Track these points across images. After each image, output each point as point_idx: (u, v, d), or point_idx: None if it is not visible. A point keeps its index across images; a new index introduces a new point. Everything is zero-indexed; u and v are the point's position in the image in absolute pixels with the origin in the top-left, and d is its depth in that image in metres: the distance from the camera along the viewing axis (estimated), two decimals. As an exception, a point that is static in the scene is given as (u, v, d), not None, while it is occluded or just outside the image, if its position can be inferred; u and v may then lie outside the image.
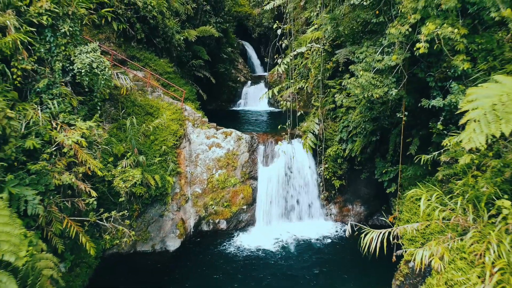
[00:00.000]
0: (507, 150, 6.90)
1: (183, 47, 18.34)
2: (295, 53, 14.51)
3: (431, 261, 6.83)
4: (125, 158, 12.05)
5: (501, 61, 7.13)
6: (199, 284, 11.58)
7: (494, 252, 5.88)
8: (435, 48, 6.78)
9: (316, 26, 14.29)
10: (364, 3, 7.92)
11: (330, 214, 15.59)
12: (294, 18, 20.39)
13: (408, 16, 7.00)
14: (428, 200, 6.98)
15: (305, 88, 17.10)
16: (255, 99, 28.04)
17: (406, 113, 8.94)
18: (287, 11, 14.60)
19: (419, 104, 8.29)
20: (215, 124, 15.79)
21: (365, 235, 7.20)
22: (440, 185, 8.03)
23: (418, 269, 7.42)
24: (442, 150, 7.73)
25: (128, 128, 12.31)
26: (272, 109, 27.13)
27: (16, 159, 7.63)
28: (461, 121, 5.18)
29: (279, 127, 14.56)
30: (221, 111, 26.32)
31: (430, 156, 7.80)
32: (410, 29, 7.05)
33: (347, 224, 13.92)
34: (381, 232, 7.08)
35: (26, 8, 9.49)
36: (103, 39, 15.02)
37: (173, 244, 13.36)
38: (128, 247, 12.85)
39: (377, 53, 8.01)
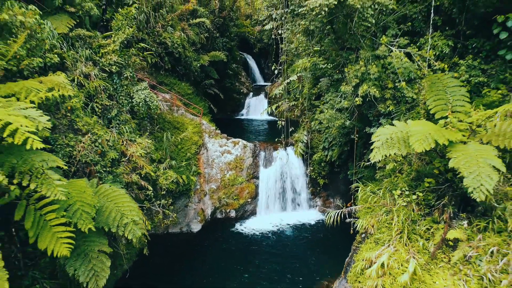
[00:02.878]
0: (415, 161, 11.24)
1: (198, 71, 22.66)
2: (288, 80, 18.81)
3: (367, 228, 11.17)
4: (162, 163, 16.37)
5: (414, 105, 11.40)
6: (215, 256, 15.92)
7: (397, 220, 10.23)
8: (367, 100, 11.06)
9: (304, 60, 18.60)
10: (328, 67, 12.18)
11: (316, 205, 19.95)
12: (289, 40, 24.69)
13: (352, 80, 11.25)
14: (365, 191, 11.31)
15: (297, 104, 21.47)
16: (256, 109, 32.37)
17: (357, 135, 13.26)
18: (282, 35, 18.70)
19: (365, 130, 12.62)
20: (225, 135, 20.11)
21: (329, 214, 11.55)
22: (378, 182, 12.32)
23: (362, 234, 11.75)
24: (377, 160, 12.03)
25: (165, 140, 16.63)
26: (271, 118, 31.38)
27: (107, 166, 11.93)
28: (372, 147, 9.46)
29: (276, 139, 18.94)
30: (228, 119, 30.57)
31: (368, 162, 12.13)
32: (353, 88, 11.30)
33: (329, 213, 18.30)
34: (336, 212, 11.44)
35: (100, 60, 13.81)
36: (139, 69, 19.32)
37: (196, 227, 17.69)
38: (163, 229, 17.17)
39: (338, 97, 12.29)
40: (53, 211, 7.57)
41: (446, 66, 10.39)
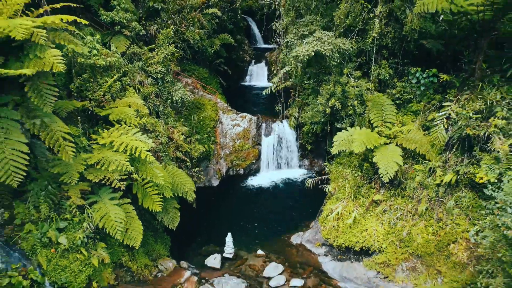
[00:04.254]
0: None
1: (212, 55, 27.79)
2: (284, 70, 24.08)
3: (332, 190, 17.57)
4: (190, 136, 22.34)
5: (363, 113, 17.15)
6: (230, 201, 22.56)
7: (348, 186, 16.54)
8: (334, 108, 16.76)
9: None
10: (311, 81, 17.63)
11: (304, 165, 26.32)
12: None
13: (324, 95, 16.80)
14: (331, 167, 17.50)
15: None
16: (258, 76, 37.62)
17: (330, 127, 19.15)
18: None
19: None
20: (235, 110, 25.84)
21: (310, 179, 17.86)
22: (341, 158, 18.45)
23: (329, 193, 18.16)
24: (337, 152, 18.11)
25: (192, 121, 22.47)
26: (271, 84, 36.70)
27: (164, 149, 17.93)
28: (333, 144, 15.42)
29: (276, 109, 24.86)
30: (234, 87, 35.89)
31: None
32: (325, 100, 16.89)
33: (313, 171, 24.73)
34: (313, 179, 17.75)
35: (148, 70, 19.24)
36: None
37: (215, 182, 24.14)
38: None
39: (317, 102, 17.96)
40: (151, 187, 13.78)
41: (382, 94, 16.11)
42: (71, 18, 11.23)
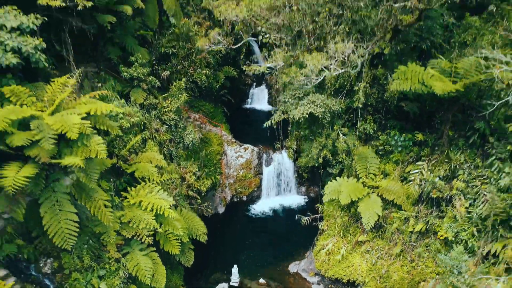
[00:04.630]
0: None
1: (217, 89, 30.32)
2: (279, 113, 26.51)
3: (324, 227, 20.24)
4: (199, 170, 24.95)
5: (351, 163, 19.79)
6: (235, 228, 25.25)
7: (338, 225, 19.20)
8: (325, 158, 19.52)
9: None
10: (306, 132, 20.37)
11: (301, 191, 28.98)
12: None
13: (318, 146, 19.54)
14: (323, 207, 20.14)
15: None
16: (259, 99, 40.11)
17: (322, 169, 21.81)
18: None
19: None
20: (238, 142, 28.42)
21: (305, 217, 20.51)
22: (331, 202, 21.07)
23: (321, 230, 20.83)
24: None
25: (201, 157, 25.07)
26: (270, 107, 39.23)
27: (178, 191, 20.54)
28: (325, 193, 17.99)
29: (275, 145, 27.42)
30: (236, 110, 38.38)
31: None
32: (318, 150, 19.59)
33: (310, 197, 27.42)
34: (307, 217, 20.42)
35: (163, 118, 21.80)
36: (177, 98, 27.05)
37: (221, 209, 26.80)
38: (199, 211, 26.25)
39: (311, 150, 20.72)
40: (171, 234, 16.42)
41: (368, 146, 18.72)
42: (109, 107, 13.80)
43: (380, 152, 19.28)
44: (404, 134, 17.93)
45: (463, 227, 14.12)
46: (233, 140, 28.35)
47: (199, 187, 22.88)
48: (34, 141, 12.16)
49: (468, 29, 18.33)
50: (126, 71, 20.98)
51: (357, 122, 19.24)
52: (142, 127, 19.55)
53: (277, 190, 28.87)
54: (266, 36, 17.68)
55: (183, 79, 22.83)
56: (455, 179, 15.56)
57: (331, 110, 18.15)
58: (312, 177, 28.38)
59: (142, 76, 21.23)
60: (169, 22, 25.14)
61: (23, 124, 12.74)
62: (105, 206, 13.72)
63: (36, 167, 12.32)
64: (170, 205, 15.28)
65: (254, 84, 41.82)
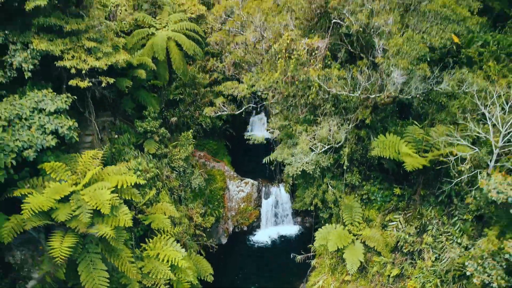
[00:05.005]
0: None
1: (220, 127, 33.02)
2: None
3: (315, 265, 22.99)
4: (204, 206, 27.64)
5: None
6: (236, 259, 27.96)
7: (327, 264, 21.94)
8: (317, 205, 22.34)
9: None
10: (300, 180, 23.06)
11: (297, 222, 31.72)
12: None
13: (309, 196, 22.17)
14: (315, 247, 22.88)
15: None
16: (258, 127, 42.80)
17: (314, 213, 24.57)
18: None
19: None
20: (240, 176, 31.12)
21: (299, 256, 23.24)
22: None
23: (313, 267, 23.56)
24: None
25: (206, 195, 27.76)
26: (269, 136, 41.83)
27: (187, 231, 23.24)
28: (315, 239, 20.68)
29: (273, 183, 30.12)
30: (237, 138, 40.97)
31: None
32: (310, 199, 22.32)
33: (305, 226, 30.20)
34: (301, 256, 23.16)
35: (172, 165, 24.49)
36: (184, 138, 29.78)
37: (224, 240, 29.51)
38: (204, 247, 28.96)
39: (303, 198, 23.44)
40: (184, 279, 19.12)
41: (354, 195, 21.43)
42: (133, 180, 16.51)
43: (364, 200, 21.98)
44: (382, 192, 20.66)
45: (429, 278, 16.83)
46: (235, 175, 31.05)
47: (204, 225, 25.58)
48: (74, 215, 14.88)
49: (441, 94, 21.01)
50: (140, 125, 23.68)
51: (344, 173, 21.93)
52: (155, 179, 22.25)
53: (275, 221, 31.59)
54: (264, 103, 20.32)
55: (191, 130, 25.50)
56: (425, 233, 18.27)
57: (321, 166, 20.84)
58: (306, 209, 31.07)
59: (154, 129, 23.92)
60: (176, 74, 27.77)
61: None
62: (130, 262, 16.43)
63: (75, 236, 15.07)
64: (182, 256, 17.99)
65: (254, 112, 44.52)
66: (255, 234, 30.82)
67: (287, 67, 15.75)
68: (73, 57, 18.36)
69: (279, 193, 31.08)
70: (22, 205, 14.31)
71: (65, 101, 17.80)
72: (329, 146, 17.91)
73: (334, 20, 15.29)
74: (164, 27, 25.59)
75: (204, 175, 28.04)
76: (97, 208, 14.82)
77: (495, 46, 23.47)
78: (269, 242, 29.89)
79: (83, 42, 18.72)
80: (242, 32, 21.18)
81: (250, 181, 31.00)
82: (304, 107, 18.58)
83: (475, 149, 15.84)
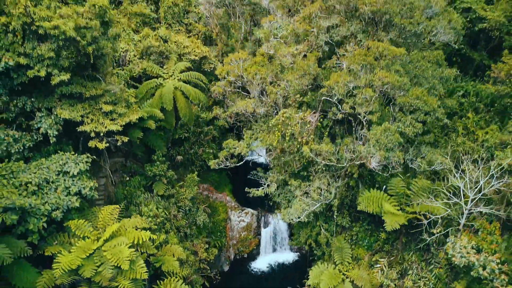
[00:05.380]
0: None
1: (221, 158, 35.21)
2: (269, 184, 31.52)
3: None
4: (208, 237, 29.88)
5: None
6: (238, 283, 30.20)
7: None
8: (310, 245, 24.57)
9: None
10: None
11: (294, 249, 33.99)
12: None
13: (304, 235, 24.36)
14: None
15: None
16: (258, 151, 45.00)
17: (308, 250, 26.85)
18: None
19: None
20: (241, 206, 33.37)
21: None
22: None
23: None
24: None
25: (209, 227, 29.99)
26: (268, 161, 44.07)
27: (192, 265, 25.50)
28: (309, 277, 22.92)
29: (272, 213, 32.41)
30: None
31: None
32: (305, 239, 24.52)
33: (301, 253, 32.54)
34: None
35: (179, 204, 26.72)
36: (188, 173, 32.02)
37: (226, 268, 31.79)
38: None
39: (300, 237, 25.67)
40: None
41: (344, 236, 23.70)
42: (147, 235, 18.76)
43: (354, 240, 24.26)
44: (369, 238, 22.96)
45: (408, 320, 19.14)
46: (236, 205, 33.31)
47: (208, 258, 27.85)
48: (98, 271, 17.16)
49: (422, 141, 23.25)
50: (150, 169, 25.92)
51: (335, 216, 24.22)
52: (164, 220, 24.50)
53: (274, 248, 33.86)
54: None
55: (195, 173, 27.73)
56: (406, 277, 20.56)
57: (314, 211, 23.10)
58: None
59: (162, 172, 26.15)
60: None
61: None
62: (145, 308, 18.71)
63: (99, 289, 17.34)
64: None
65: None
66: (255, 261, 33.08)
67: (283, 138, 18.01)
68: (92, 120, 20.60)
69: (277, 222, 33.34)
70: (53, 264, 16.60)
71: (86, 161, 20.06)
72: (320, 203, 20.17)
73: (324, 97, 17.55)
74: (171, 76, 27.78)
75: (208, 210, 30.26)
76: (118, 265, 17.08)
77: (474, 98, 25.78)
78: (269, 269, 32.17)
79: (100, 105, 20.94)
80: (243, 84, 23.44)
81: (250, 211, 33.24)
82: (298, 162, 20.81)
83: (448, 210, 18.10)
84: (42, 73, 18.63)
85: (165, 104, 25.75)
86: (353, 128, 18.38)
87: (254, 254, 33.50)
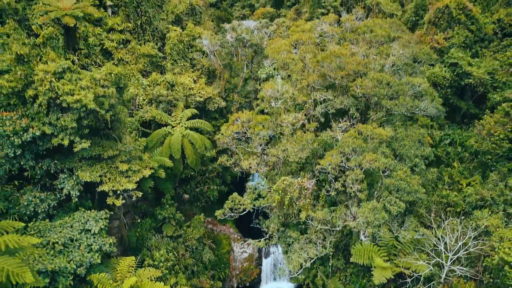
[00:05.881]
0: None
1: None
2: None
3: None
4: (214, 270, 32.00)
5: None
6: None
7: None
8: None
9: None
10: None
11: (293, 278, 36.12)
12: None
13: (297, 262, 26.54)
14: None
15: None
16: (256, 176, 47.14)
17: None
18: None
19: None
20: (243, 238, 35.50)
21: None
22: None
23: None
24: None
25: (215, 261, 32.11)
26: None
27: None
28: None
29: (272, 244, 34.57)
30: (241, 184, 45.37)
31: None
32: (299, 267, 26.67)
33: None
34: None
35: (186, 244, 28.84)
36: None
37: (229, 297, 34.00)
38: (212, 299, 33.36)
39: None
40: None
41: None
42: (157, 275, 20.90)
43: (348, 281, 26.41)
44: (360, 280, 25.10)
45: None
46: (238, 237, 35.47)
47: (211, 290, 30.05)
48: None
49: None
50: (160, 213, 28.05)
51: (330, 258, 26.38)
52: (174, 262, 26.62)
53: (274, 277, 36.04)
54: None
55: (202, 214, 29.84)
56: (395, 321, 22.71)
57: (312, 257, 25.31)
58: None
59: (171, 215, 28.28)
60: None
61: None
62: None
63: None
64: None
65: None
66: (255, 290, 35.33)
67: (283, 201, 20.17)
68: (109, 179, 22.68)
69: (278, 252, 35.51)
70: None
71: (105, 217, 22.15)
72: (316, 256, 22.35)
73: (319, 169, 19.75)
74: (179, 123, 29.86)
75: (212, 245, 32.38)
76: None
77: (460, 147, 27.98)
78: (268, 298, 34.39)
79: (117, 164, 23.01)
80: (245, 139, 25.58)
81: (252, 242, 35.34)
82: (297, 215, 22.96)
83: (430, 268, 20.25)
84: (66, 142, 20.68)
85: (174, 153, 27.83)
86: (347, 195, 20.52)
87: (255, 283, 35.67)
